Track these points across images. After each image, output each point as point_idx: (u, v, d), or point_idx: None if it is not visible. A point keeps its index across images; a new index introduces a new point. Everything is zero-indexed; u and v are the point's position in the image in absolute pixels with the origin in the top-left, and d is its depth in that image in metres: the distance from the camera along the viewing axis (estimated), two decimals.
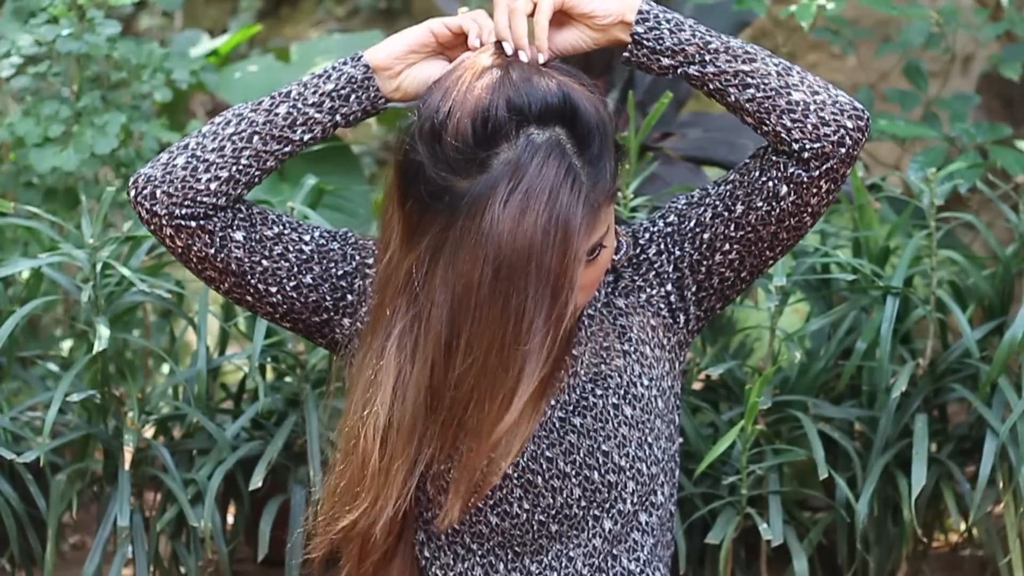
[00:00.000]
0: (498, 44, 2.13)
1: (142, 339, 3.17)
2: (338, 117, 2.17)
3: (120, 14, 4.94)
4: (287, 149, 2.17)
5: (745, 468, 2.85)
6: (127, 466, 2.89)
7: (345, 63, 2.17)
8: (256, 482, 2.87)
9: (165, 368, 3.55)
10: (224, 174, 2.15)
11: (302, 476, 2.96)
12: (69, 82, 3.58)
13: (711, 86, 2.15)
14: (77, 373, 2.93)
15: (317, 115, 2.16)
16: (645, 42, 2.14)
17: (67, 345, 3.65)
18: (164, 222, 2.16)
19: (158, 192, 2.15)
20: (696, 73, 2.14)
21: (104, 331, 2.82)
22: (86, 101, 3.51)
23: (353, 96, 2.17)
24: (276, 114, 2.15)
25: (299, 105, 2.16)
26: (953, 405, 3.42)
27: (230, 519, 3.21)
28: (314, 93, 2.16)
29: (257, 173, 2.17)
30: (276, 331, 3.07)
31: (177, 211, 2.15)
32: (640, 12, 2.14)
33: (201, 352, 2.96)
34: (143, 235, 3.03)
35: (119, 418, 3.00)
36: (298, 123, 2.16)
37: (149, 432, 3.08)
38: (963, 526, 3.11)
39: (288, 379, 3.14)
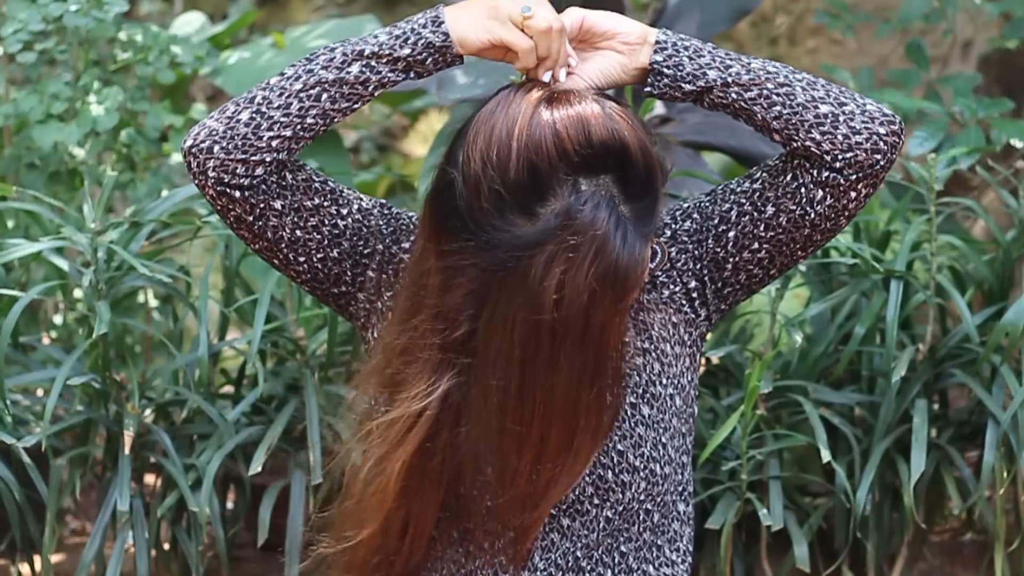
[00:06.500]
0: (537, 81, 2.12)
1: (143, 324, 3.16)
2: (412, 74, 2.14)
3: None
4: (356, 105, 2.14)
5: (745, 453, 2.85)
6: (127, 451, 2.89)
7: (425, 26, 2.11)
8: (256, 467, 2.87)
9: (166, 353, 3.55)
10: (288, 132, 2.11)
11: (302, 461, 2.96)
12: (73, 63, 3.57)
13: (736, 107, 2.12)
14: (78, 358, 2.93)
15: (391, 75, 2.13)
16: (665, 71, 2.12)
17: (64, 329, 3.64)
18: (210, 183, 2.12)
19: (216, 148, 2.10)
20: (719, 96, 2.12)
21: (105, 315, 2.82)
22: (87, 79, 3.51)
23: (430, 59, 2.13)
24: (348, 72, 2.11)
25: (373, 64, 2.11)
26: (953, 390, 3.42)
27: (230, 504, 3.21)
28: (390, 56, 2.11)
29: (321, 130, 2.14)
30: (276, 316, 3.07)
31: (226, 177, 2.12)
32: (658, 41, 2.12)
33: (202, 337, 2.96)
34: (144, 220, 3.03)
35: (120, 403, 3.00)
36: (371, 82, 2.12)
37: (150, 417, 3.08)
38: (963, 511, 3.11)
39: (288, 364, 3.14)
